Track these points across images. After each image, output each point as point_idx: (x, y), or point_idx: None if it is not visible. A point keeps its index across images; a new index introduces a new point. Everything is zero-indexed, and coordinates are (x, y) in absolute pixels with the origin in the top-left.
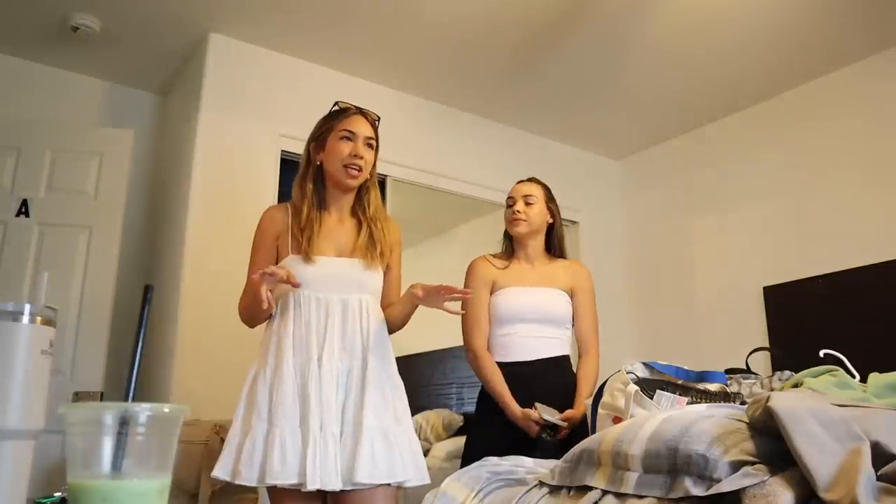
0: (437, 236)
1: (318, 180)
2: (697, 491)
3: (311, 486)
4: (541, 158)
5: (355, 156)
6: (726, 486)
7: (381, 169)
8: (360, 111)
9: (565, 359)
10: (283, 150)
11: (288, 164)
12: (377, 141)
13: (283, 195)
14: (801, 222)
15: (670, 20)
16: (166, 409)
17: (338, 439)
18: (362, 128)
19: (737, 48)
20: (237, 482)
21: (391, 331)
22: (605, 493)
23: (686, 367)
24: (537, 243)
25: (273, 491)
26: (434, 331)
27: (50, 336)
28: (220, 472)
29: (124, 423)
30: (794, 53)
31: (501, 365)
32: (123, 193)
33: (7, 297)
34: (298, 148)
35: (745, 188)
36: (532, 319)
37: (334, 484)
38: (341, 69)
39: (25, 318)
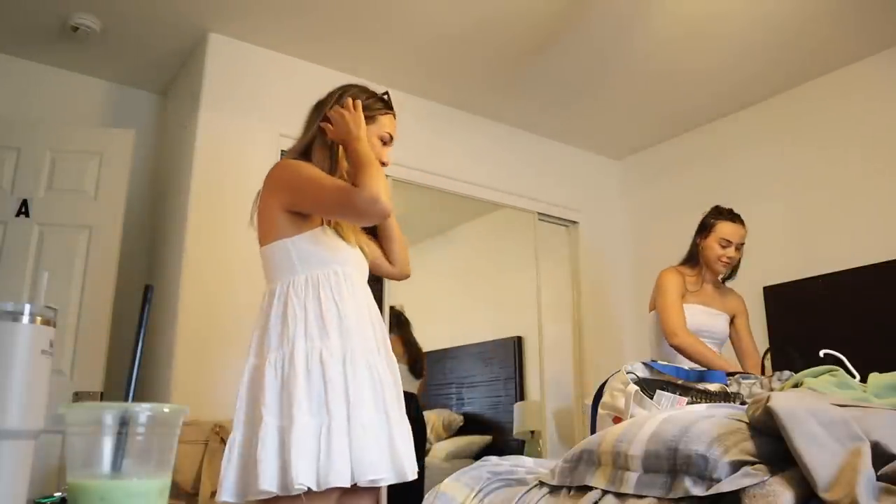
0: (437, 236)
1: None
2: (697, 491)
3: (411, 476)
4: (541, 158)
5: (384, 163)
6: (726, 486)
7: None
8: (393, 114)
9: None
10: (282, 150)
11: None
12: None
13: None
14: (800, 222)
15: (671, 20)
16: (166, 409)
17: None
18: (394, 132)
19: (736, 49)
20: (330, 485)
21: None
22: (605, 493)
23: (686, 367)
24: None
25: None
26: (433, 331)
27: (50, 336)
28: (307, 478)
29: (124, 423)
30: (793, 53)
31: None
32: (123, 193)
33: (7, 297)
34: None
35: (745, 188)
36: (705, 336)
37: (413, 473)
38: (341, 69)
39: (25, 318)
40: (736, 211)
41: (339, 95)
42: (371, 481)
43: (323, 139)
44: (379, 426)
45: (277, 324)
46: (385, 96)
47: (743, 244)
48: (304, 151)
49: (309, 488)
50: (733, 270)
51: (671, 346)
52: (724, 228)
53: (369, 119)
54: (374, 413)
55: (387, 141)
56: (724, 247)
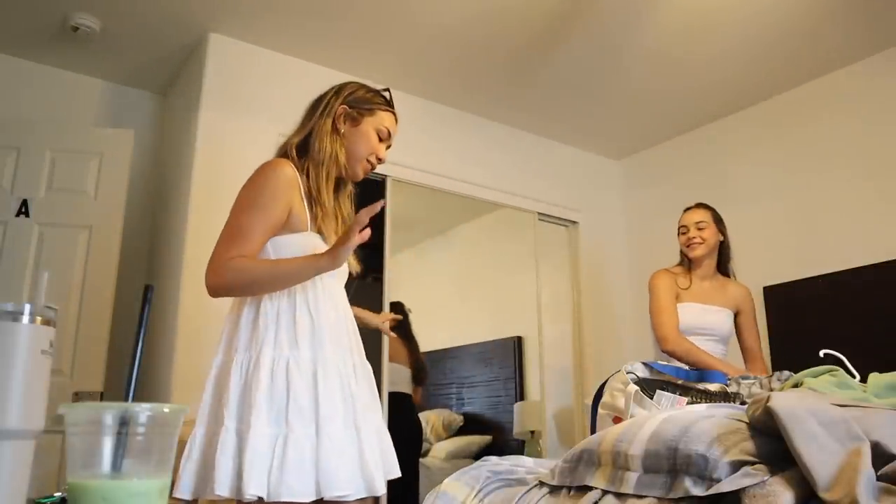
0: (437, 236)
1: None
2: (697, 491)
3: (381, 491)
4: (541, 158)
5: (380, 159)
6: (726, 486)
7: (381, 169)
8: (394, 113)
9: None
10: None
11: None
12: None
13: None
14: (801, 222)
15: (670, 20)
16: (166, 409)
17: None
18: (393, 130)
19: (737, 48)
20: (281, 498)
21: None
22: (605, 493)
23: (686, 368)
24: (712, 262)
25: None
26: (433, 331)
27: (50, 336)
28: (256, 487)
29: (124, 423)
30: (793, 53)
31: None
32: (123, 193)
33: (7, 297)
34: None
35: (745, 188)
36: (703, 334)
37: (384, 487)
38: (341, 69)
39: (25, 318)
40: (735, 211)
41: (337, 91)
42: (338, 497)
43: (327, 133)
44: (348, 441)
45: (248, 325)
46: (385, 93)
47: (703, 221)
48: (300, 145)
49: (261, 498)
50: (726, 257)
51: (663, 352)
52: (681, 219)
53: (367, 111)
54: (342, 427)
55: (384, 137)
56: (683, 233)
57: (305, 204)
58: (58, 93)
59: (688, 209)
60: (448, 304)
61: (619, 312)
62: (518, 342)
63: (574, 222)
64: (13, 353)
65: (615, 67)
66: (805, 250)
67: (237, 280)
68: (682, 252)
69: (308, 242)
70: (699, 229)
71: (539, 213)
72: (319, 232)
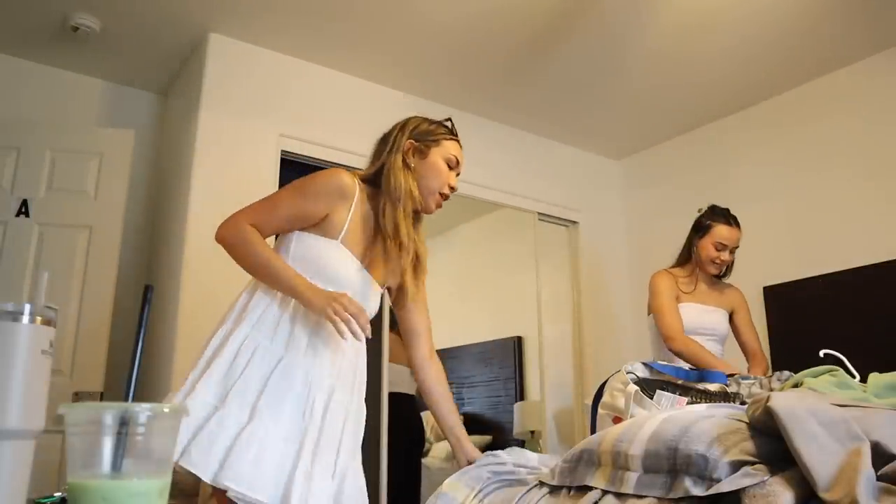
0: (437, 236)
1: None
2: (697, 491)
3: None
4: (541, 158)
5: (452, 188)
6: (726, 486)
7: None
8: (458, 141)
9: None
10: (283, 151)
11: (287, 164)
12: None
13: None
14: (800, 222)
15: (670, 20)
16: (166, 409)
17: (329, 474)
18: (460, 157)
19: (737, 48)
20: (185, 466)
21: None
22: (605, 493)
23: (686, 367)
24: None
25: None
26: (433, 331)
27: (50, 336)
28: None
29: (124, 423)
30: (793, 53)
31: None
32: (123, 193)
33: (7, 297)
34: (298, 148)
35: (745, 188)
36: (704, 334)
37: None
38: (341, 69)
39: (25, 318)
40: (735, 211)
41: (402, 126)
42: (230, 490)
43: (399, 168)
44: (286, 452)
45: (239, 309)
46: (448, 122)
47: (737, 247)
48: (370, 180)
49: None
50: (726, 270)
51: (669, 350)
52: (721, 231)
53: (433, 143)
54: (282, 436)
55: (453, 165)
56: (718, 250)
57: (350, 219)
58: (58, 93)
59: (729, 223)
60: (448, 304)
61: (619, 312)
62: (518, 342)
63: (574, 222)
64: (13, 353)
65: (615, 67)
66: (805, 250)
67: (237, 247)
68: (698, 257)
69: (328, 252)
70: (731, 253)
71: (539, 213)
72: (351, 248)
